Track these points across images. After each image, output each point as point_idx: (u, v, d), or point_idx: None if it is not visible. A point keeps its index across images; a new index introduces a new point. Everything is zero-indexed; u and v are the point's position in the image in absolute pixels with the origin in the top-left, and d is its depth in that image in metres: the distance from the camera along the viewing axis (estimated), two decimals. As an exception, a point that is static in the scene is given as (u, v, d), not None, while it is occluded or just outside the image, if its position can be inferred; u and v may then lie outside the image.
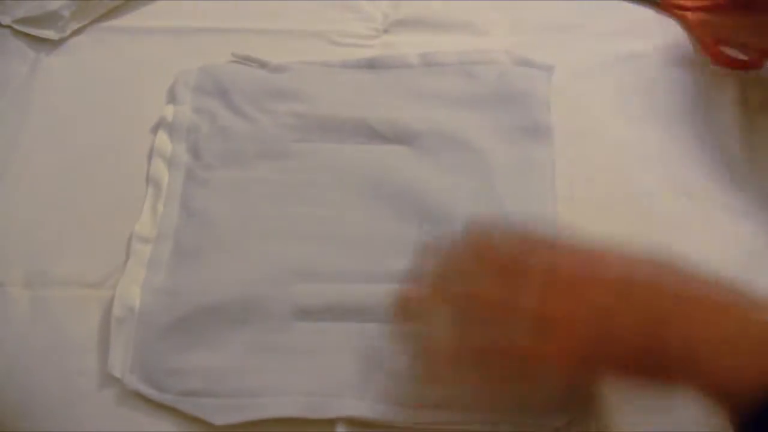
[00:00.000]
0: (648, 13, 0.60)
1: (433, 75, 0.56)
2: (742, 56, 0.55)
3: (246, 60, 0.57)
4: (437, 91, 0.55)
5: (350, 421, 0.43)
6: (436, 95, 0.54)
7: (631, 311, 0.32)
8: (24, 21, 0.59)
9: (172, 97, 0.56)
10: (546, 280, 0.35)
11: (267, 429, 0.43)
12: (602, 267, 0.34)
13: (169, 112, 0.55)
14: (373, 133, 0.53)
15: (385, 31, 0.61)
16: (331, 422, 0.43)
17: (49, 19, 0.59)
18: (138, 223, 0.50)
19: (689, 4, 0.57)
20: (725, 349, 0.29)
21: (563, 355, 0.33)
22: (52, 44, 0.59)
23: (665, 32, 0.55)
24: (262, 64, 0.57)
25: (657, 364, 0.31)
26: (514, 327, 0.35)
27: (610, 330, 0.33)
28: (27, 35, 0.60)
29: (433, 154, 0.52)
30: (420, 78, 0.56)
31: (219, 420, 0.43)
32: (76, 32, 0.60)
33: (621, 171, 0.52)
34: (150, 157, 0.53)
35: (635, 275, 0.33)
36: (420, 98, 0.55)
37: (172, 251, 0.49)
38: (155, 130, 0.54)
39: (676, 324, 0.31)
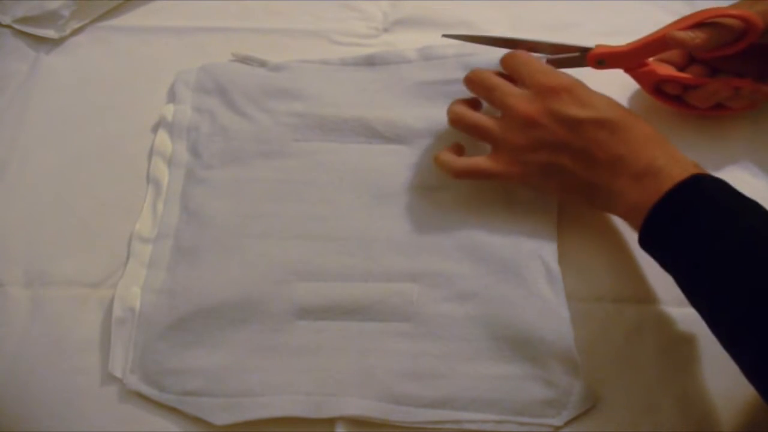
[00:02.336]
0: (645, 13, 0.60)
1: (432, 69, 0.56)
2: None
3: (246, 59, 0.57)
4: (436, 86, 0.55)
5: (350, 421, 0.44)
6: (436, 90, 0.54)
7: (579, 151, 0.45)
8: (24, 20, 0.59)
9: (172, 97, 0.56)
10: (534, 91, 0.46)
11: (267, 429, 0.43)
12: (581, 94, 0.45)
13: (169, 111, 0.55)
14: (372, 133, 0.53)
15: (385, 30, 0.61)
16: (331, 422, 0.44)
17: (49, 18, 0.59)
18: (138, 222, 0.50)
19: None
20: (632, 189, 0.43)
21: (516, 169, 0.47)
22: (52, 43, 0.59)
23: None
24: (262, 63, 0.57)
25: (590, 193, 0.45)
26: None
27: (561, 161, 0.45)
28: (27, 34, 0.60)
29: (432, 153, 0.52)
30: (419, 73, 0.55)
31: (219, 420, 0.43)
32: (76, 31, 0.60)
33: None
34: (150, 156, 0.53)
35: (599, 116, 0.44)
36: (419, 95, 0.55)
37: (172, 251, 0.49)
38: (155, 129, 0.54)
39: (604, 173, 0.44)
